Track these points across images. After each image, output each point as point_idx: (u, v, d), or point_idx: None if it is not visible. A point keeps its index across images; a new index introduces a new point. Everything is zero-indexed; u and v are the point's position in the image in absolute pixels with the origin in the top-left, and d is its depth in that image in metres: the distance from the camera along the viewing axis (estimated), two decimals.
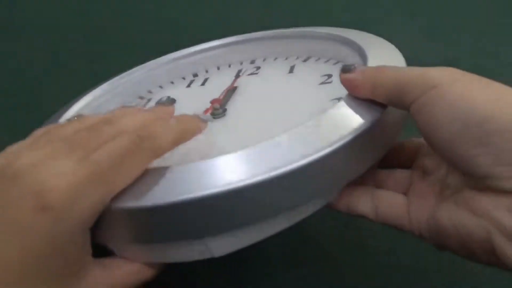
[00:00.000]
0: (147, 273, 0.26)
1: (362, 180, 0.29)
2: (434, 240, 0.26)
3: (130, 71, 0.39)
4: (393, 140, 0.29)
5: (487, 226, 0.23)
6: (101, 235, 0.23)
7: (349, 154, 0.24)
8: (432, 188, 0.27)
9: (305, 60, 0.38)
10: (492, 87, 0.23)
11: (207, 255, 0.24)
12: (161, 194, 0.22)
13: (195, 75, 0.41)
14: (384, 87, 0.26)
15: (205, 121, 0.30)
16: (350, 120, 0.25)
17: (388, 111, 0.26)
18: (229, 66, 0.41)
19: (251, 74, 0.37)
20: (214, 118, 0.32)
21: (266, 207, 0.23)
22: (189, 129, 0.27)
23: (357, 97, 0.27)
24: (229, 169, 0.22)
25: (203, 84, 0.38)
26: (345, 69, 0.28)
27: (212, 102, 0.33)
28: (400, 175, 0.29)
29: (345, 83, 0.28)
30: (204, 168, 0.22)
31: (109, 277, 0.24)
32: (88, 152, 0.23)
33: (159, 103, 0.36)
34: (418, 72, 0.25)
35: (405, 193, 0.28)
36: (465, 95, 0.23)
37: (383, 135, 0.27)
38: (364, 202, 0.28)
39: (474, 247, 0.23)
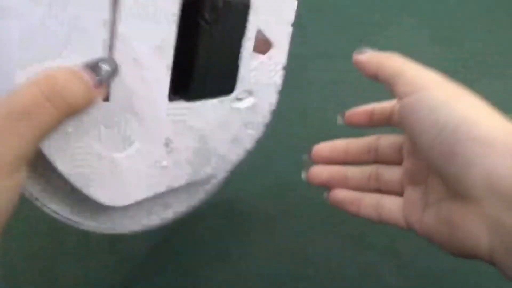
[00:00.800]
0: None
1: (367, 185, 0.32)
2: (429, 240, 0.28)
3: None
4: None
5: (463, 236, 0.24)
6: None
7: None
8: (418, 194, 0.29)
9: None
10: (475, 99, 0.25)
11: None
12: None
13: None
14: (384, 74, 0.28)
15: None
16: None
17: None
18: None
19: None
20: None
21: None
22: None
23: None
24: None
25: None
26: (358, 52, 0.31)
27: None
28: (395, 176, 0.31)
29: (355, 62, 0.31)
30: None
31: None
32: None
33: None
34: (414, 71, 0.27)
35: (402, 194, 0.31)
36: (447, 101, 0.25)
37: None
38: (369, 208, 0.31)
39: (459, 249, 0.25)
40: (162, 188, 0.29)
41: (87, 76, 0.22)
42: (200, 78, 0.28)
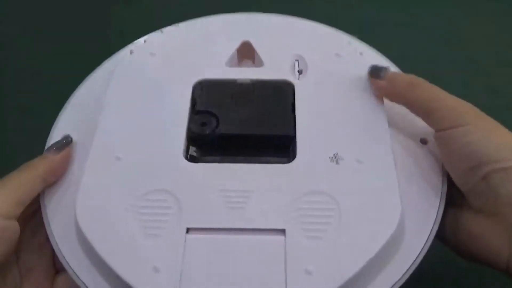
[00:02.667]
0: None
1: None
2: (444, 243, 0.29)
3: None
4: None
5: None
6: None
7: None
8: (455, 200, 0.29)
9: None
10: (508, 134, 0.26)
11: None
12: None
13: None
14: (414, 106, 0.29)
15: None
16: None
17: None
18: None
19: None
20: None
21: None
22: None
23: None
24: None
25: None
26: (375, 73, 0.31)
27: None
28: None
29: (374, 89, 0.31)
30: None
31: None
32: None
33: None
34: (450, 103, 0.28)
35: None
36: (482, 140, 0.26)
37: None
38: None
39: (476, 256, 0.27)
40: None
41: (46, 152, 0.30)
42: None
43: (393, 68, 0.34)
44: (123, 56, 0.35)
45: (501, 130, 0.27)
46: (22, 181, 0.27)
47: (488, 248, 0.26)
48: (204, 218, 0.26)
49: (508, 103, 0.48)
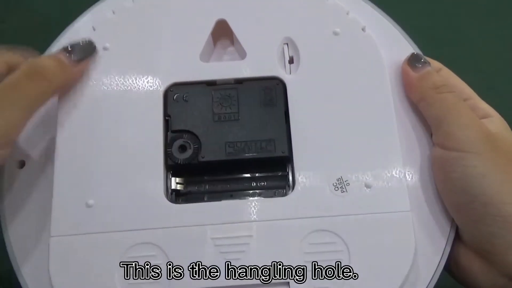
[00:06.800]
0: None
1: None
2: None
3: None
4: None
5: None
6: None
7: None
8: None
9: None
10: None
11: None
12: None
13: None
14: (427, 111, 0.26)
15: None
16: None
17: None
18: None
19: None
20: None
21: None
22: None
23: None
24: None
25: None
26: (414, 60, 0.27)
27: None
28: None
29: (403, 75, 0.27)
30: None
31: None
32: None
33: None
34: (464, 121, 0.24)
35: None
36: (487, 176, 0.22)
37: None
38: None
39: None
40: None
41: (63, 57, 0.25)
42: None
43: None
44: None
45: (507, 165, 0.23)
46: (33, 95, 0.24)
47: (473, 284, 0.24)
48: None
49: None
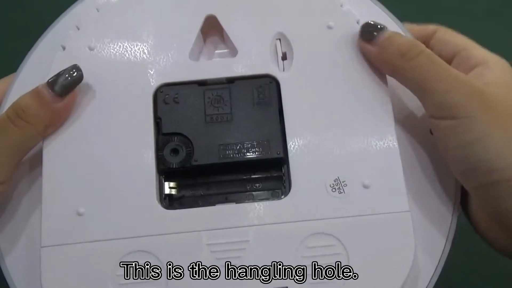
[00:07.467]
0: None
1: None
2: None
3: None
4: None
5: None
6: None
7: None
8: None
9: None
10: None
11: None
12: None
13: None
14: (406, 84, 0.23)
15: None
16: None
17: None
18: None
19: None
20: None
21: None
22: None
23: None
24: None
25: None
26: (366, 35, 0.24)
27: None
28: None
29: (362, 52, 0.25)
30: None
31: None
32: None
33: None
34: (449, 85, 0.21)
35: None
36: (484, 139, 0.21)
37: None
38: None
39: None
40: None
41: (45, 93, 0.23)
42: None
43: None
44: (56, 56, 0.26)
45: (508, 124, 0.21)
46: (18, 141, 0.23)
47: (494, 244, 0.24)
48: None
49: None
